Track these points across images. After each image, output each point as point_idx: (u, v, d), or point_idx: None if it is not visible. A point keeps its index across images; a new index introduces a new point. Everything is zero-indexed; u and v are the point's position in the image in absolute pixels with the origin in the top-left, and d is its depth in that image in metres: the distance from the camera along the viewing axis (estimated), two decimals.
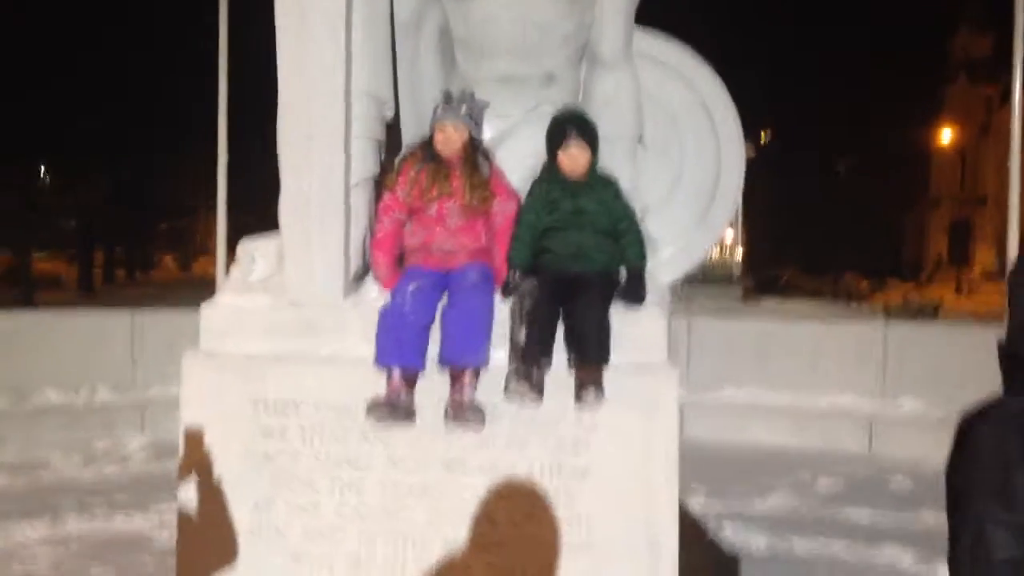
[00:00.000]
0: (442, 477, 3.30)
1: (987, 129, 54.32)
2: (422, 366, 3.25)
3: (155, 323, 9.49)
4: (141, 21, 23.69)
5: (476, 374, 3.23)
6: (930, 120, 55.17)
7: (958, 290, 44.17)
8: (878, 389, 9.15)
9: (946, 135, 53.20)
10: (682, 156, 4.35)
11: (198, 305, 3.60)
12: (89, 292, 29.80)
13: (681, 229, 4.36)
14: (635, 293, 3.30)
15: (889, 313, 22.81)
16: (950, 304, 33.00)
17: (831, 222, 48.92)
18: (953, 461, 1.69)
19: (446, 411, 3.23)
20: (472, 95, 3.46)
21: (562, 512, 3.25)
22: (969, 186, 57.72)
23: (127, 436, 8.49)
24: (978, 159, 56.24)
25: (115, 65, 23.47)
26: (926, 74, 53.88)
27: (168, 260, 50.32)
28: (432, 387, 3.27)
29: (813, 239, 52.31)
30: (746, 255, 46.36)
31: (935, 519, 6.33)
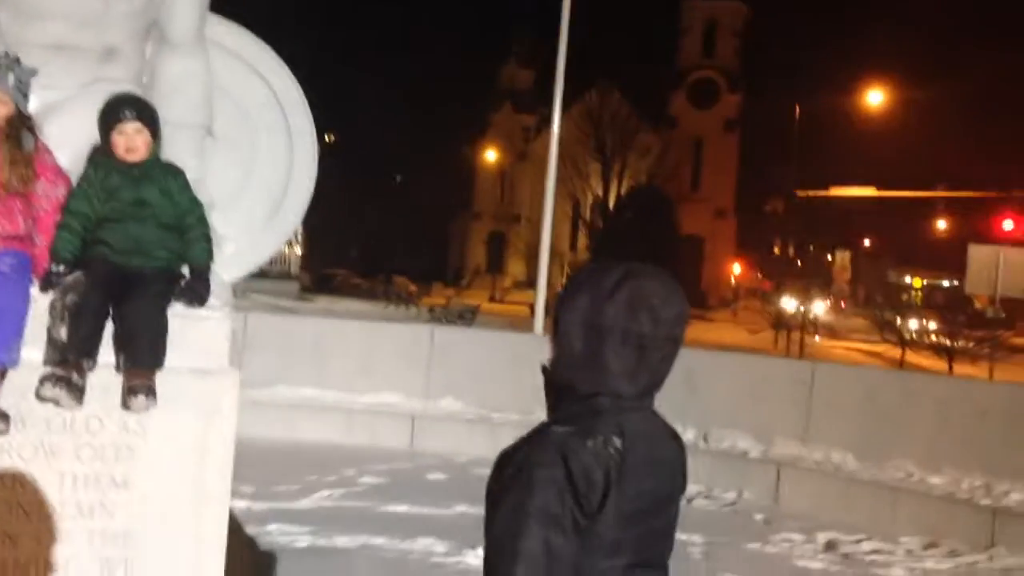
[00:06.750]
0: None
1: (524, 154, 60.88)
2: None
3: None
4: None
5: (2, 375, 2.85)
6: (477, 141, 60.44)
7: (492, 297, 48.93)
8: (422, 388, 9.77)
9: (490, 156, 58.69)
10: (254, 153, 4.24)
11: None
12: None
13: (249, 227, 4.25)
14: (197, 293, 3.16)
15: (434, 315, 24.48)
16: (485, 309, 36.43)
17: (385, 227, 51.23)
18: (496, 483, 1.74)
19: None
20: (18, 60, 3.04)
21: (97, 525, 2.99)
22: (507, 203, 64.17)
23: None
24: (515, 180, 62.79)
25: None
26: (478, 99, 59.01)
27: None
28: None
29: (368, 242, 54.36)
30: (305, 253, 46.70)
31: (464, 509, 6.93)
